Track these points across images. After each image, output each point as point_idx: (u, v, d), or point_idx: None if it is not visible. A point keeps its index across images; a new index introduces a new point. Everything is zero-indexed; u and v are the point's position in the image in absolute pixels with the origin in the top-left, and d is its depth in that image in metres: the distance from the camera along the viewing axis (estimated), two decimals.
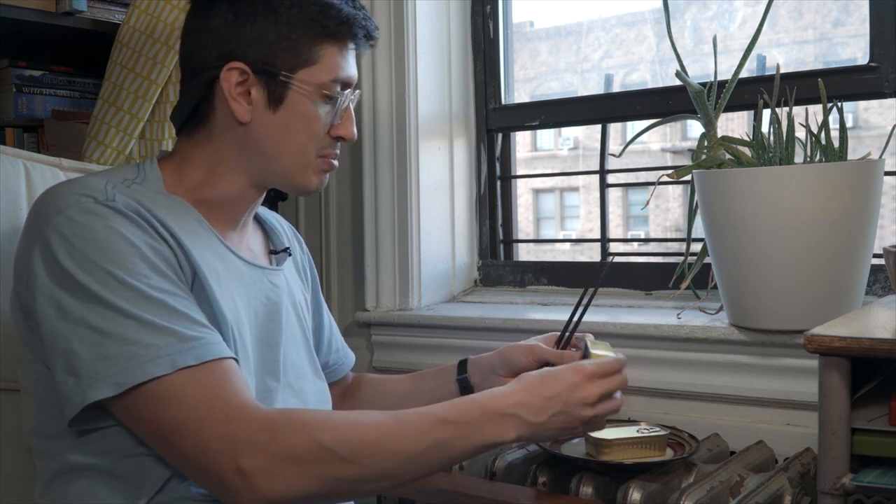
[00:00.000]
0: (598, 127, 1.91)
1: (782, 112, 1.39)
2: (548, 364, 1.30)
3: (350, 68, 1.14)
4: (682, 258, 1.59)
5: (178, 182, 1.12)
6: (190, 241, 1.05)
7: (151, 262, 0.99)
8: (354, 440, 0.96)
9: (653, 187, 1.64)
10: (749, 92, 1.59)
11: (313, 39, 1.10)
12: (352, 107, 1.16)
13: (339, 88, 1.12)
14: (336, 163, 1.17)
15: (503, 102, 2.05)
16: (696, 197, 1.48)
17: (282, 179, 1.15)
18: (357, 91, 1.18)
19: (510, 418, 1.04)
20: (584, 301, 1.30)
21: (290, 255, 1.26)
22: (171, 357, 0.93)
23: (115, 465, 1.01)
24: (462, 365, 1.37)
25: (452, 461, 1.03)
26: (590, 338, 1.28)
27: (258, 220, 1.28)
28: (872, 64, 1.56)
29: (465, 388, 1.35)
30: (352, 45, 1.14)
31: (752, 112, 1.53)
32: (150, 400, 0.94)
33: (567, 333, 1.31)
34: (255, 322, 1.13)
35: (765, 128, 1.41)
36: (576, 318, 1.30)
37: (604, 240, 1.93)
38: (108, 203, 1.00)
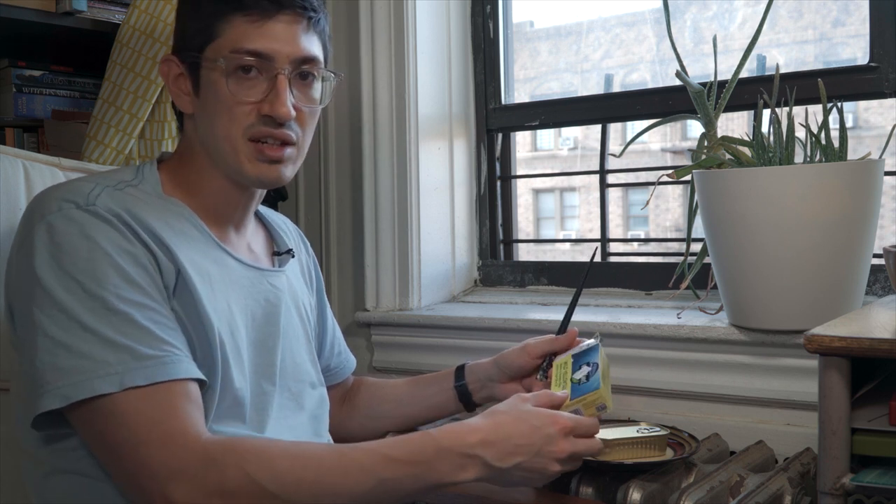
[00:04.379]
0: (598, 127, 1.91)
1: (782, 112, 1.39)
2: (550, 355, 1.31)
3: (262, 38, 1.07)
4: (682, 258, 1.59)
5: (175, 183, 1.12)
6: (179, 243, 1.05)
7: (123, 271, 0.98)
8: (290, 477, 0.93)
9: (653, 187, 1.63)
10: (749, 92, 1.59)
11: (216, 13, 1.08)
12: (285, 81, 1.08)
13: (248, 59, 1.07)
14: (276, 153, 1.09)
15: (503, 102, 2.05)
16: (696, 197, 1.48)
17: (228, 169, 1.11)
18: (304, 67, 1.10)
19: (471, 459, 0.99)
20: (579, 286, 1.32)
21: (292, 256, 1.26)
22: (119, 375, 0.93)
23: (98, 470, 1.01)
24: (460, 371, 1.37)
25: (405, 499, 1.00)
26: (592, 341, 1.28)
27: (262, 221, 1.27)
28: (872, 64, 1.56)
29: (464, 394, 1.35)
30: (263, 13, 1.07)
31: (752, 112, 1.53)
32: (95, 416, 0.94)
33: (567, 318, 1.33)
34: (251, 325, 1.12)
35: (765, 128, 1.41)
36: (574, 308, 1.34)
37: (604, 240, 1.93)
38: (88, 208, 1.00)
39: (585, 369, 1.21)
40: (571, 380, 1.20)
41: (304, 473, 0.94)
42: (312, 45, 1.11)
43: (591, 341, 1.28)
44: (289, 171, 1.12)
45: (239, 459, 0.93)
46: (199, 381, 1.01)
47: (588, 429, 1.09)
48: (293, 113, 1.08)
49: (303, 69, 1.10)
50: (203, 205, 1.12)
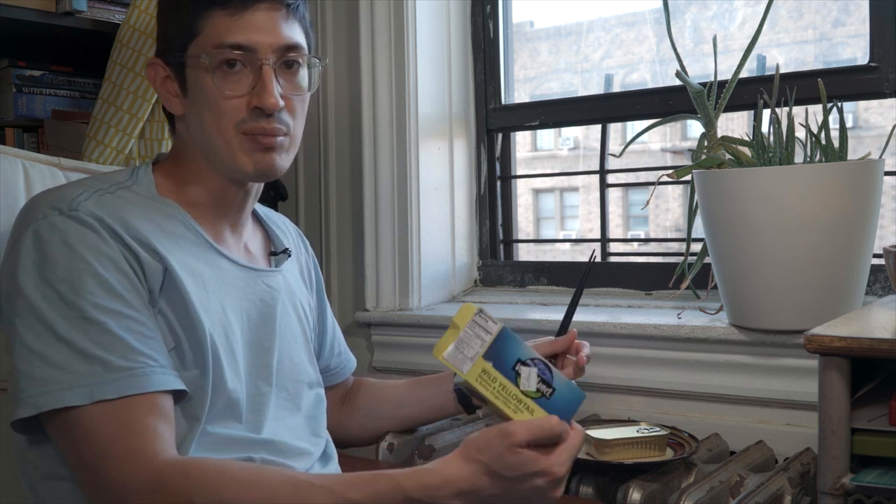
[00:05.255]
0: (598, 127, 1.92)
1: (782, 112, 1.39)
2: (549, 358, 1.30)
3: (243, 31, 1.05)
4: (682, 258, 1.59)
5: (170, 184, 1.12)
6: (168, 245, 1.05)
7: (102, 278, 0.98)
8: None
9: (653, 187, 1.63)
10: (749, 92, 1.59)
11: (194, 11, 1.07)
12: (270, 72, 1.06)
13: (231, 53, 1.05)
14: (269, 140, 1.08)
15: (503, 102, 2.05)
16: (696, 197, 1.48)
17: (223, 166, 1.10)
18: (289, 55, 1.08)
19: None
20: (579, 288, 1.30)
21: (289, 256, 1.25)
22: (90, 388, 0.93)
23: None
24: None
25: None
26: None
27: (260, 221, 1.27)
28: (872, 64, 1.56)
29: (464, 396, 1.35)
30: (241, 5, 1.06)
31: (752, 112, 1.53)
32: (63, 427, 0.95)
33: (566, 320, 1.31)
34: (247, 326, 1.12)
35: (765, 128, 1.41)
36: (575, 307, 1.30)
37: (604, 240, 1.93)
38: (70, 214, 1.01)
39: (527, 371, 0.93)
40: (525, 393, 0.93)
41: None
42: (294, 33, 1.10)
43: (494, 326, 0.93)
44: (283, 161, 1.11)
45: (187, 486, 0.92)
46: (180, 391, 1.00)
47: (573, 446, 0.93)
48: (281, 103, 1.07)
49: (287, 57, 1.09)
50: (198, 205, 1.12)
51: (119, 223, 1.02)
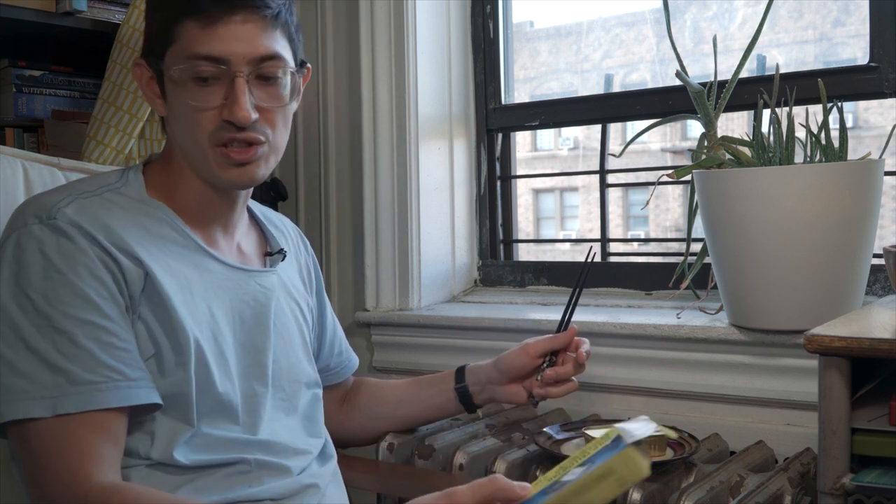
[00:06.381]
0: (598, 127, 1.91)
1: (782, 112, 1.39)
2: (550, 355, 1.30)
3: (215, 41, 1.03)
4: (682, 258, 1.59)
5: (159, 186, 1.12)
6: (153, 249, 1.04)
7: (76, 287, 0.98)
8: None
9: (653, 187, 1.63)
10: (749, 92, 1.59)
11: (171, 18, 1.05)
12: (243, 85, 1.04)
13: (204, 64, 1.03)
14: (243, 155, 1.06)
15: (503, 102, 2.05)
16: (696, 197, 1.48)
17: (200, 173, 1.09)
18: (265, 66, 1.06)
19: None
20: (577, 286, 1.30)
21: (283, 257, 1.24)
22: (54, 400, 0.94)
23: None
24: (460, 372, 1.37)
25: None
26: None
27: (256, 221, 1.26)
28: (872, 64, 1.56)
29: (464, 396, 1.35)
30: (215, 15, 1.03)
31: (752, 112, 1.53)
32: (22, 437, 0.95)
33: (566, 317, 1.32)
34: (239, 327, 1.11)
35: (765, 128, 1.41)
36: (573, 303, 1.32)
37: (604, 240, 1.93)
38: (49, 222, 1.00)
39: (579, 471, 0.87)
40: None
41: None
42: (273, 42, 1.06)
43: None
44: (262, 171, 1.09)
45: None
46: (152, 404, 1.00)
47: None
48: (253, 116, 1.04)
49: (263, 68, 1.06)
50: (186, 207, 1.11)
51: (99, 229, 1.01)
